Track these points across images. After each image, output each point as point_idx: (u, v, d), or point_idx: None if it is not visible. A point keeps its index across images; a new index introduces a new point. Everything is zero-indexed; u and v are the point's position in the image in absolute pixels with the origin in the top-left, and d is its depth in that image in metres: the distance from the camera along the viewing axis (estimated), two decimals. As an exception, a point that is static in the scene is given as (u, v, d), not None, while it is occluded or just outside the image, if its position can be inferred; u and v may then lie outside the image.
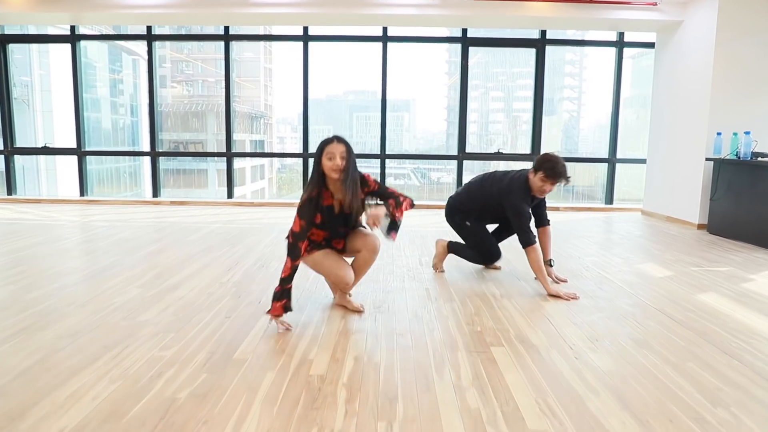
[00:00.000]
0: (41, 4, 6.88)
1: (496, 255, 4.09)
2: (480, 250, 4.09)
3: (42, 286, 3.55)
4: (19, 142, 8.45)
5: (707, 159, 6.15)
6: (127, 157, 9.87)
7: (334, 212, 2.95)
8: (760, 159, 5.41)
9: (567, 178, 3.54)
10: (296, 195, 8.54)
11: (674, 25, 6.95)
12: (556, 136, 9.61)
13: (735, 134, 5.88)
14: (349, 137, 10.40)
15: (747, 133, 5.58)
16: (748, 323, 3.04)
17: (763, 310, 3.29)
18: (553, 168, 3.52)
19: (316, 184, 2.87)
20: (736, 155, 5.75)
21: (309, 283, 3.72)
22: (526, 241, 3.58)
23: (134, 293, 3.45)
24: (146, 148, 8.40)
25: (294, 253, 2.80)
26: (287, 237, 2.87)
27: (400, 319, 3.02)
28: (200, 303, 3.26)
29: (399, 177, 9.92)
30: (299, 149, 8.29)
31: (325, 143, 2.85)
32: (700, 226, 6.36)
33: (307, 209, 2.84)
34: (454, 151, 8.23)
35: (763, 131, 6.09)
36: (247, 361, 2.42)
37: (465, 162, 8.19)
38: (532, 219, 3.81)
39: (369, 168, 9.07)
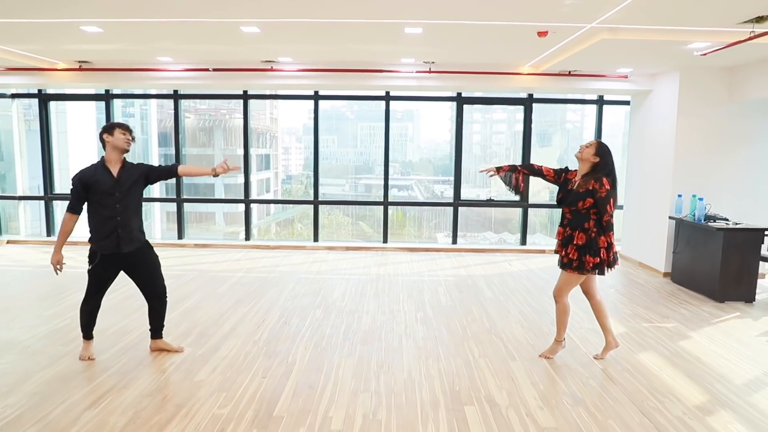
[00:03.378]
0: (81, 76, 7.84)
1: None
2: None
3: (110, 347, 4.44)
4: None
5: (670, 217, 7.03)
6: None
7: None
8: (710, 223, 6.27)
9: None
10: (308, 235, 9.43)
11: (645, 93, 7.85)
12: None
13: (694, 196, 6.75)
14: (354, 147, 11.05)
15: (700, 199, 6.46)
16: (669, 383, 3.90)
17: (686, 370, 4.15)
18: (114, 123, 4.00)
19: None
20: (693, 216, 6.62)
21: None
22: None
23: (186, 353, 4.33)
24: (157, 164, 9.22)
25: None
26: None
27: (397, 380, 3.89)
28: (240, 363, 4.14)
29: (402, 189, 10.29)
30: (302, 161, 9.15)
31: None
32: (665, 275, 7.22)
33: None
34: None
35: (719, 194, 6.96)
36: (284, 418, 3.29)
37: (463, 176, 9.08)
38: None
39: (370, 180, 9.90)
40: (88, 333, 4.27)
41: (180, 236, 9.24)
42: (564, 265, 4.11)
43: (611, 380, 3.94)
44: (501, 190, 10.00)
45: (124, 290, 6.15)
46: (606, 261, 4.01)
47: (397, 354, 4.40)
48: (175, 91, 8.90)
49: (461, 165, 9.02)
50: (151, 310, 4.35)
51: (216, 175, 4.17)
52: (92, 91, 9.18)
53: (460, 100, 8.82)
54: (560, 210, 4.17)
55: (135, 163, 4.15)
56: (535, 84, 7.80)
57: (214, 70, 7.64)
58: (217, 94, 9.59)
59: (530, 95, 8.79)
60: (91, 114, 10.27)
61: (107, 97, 9.00)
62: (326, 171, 9.92)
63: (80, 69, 7.72)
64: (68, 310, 5.43)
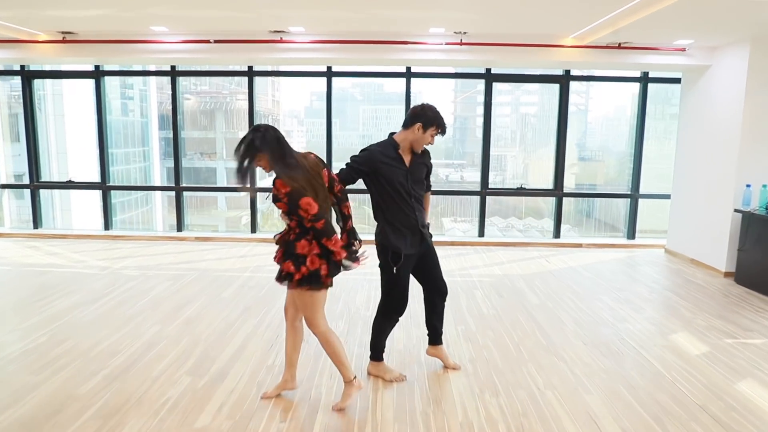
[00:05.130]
0: (65, 49, 6.95)
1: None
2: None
3: (92, 374, 3.63)
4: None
5: (736, 210, 6.17)
6: (140, 158, 10.03)
7: None
8: (791, 218, 5.43)
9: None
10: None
11: (702, 69, 6.95)
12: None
13: (765, 186, 5.90)
14: (355, 130, 10.35)
15: (778, 189, 5.61)
16: (794, 429, 3.08)
17: (806, 408, 3.33)
18: (440, 119, 3.39)
19: None
20: (766, 209, 5.77)
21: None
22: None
23: (185, 384, 3.52)
24: (156, 149, 8.39)
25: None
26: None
27: (451, 424, 3.07)
28: (252, 399, 3.32)
29: None
30: (304, 144, 8.54)
31: None
32: (727, 274, 6.38)
33: None
34: (462, 147, 8.76)
35: (793, 183, 6.10)
36: (313, 490, 2.49)
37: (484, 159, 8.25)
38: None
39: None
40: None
41: (179, 228, 8.41)
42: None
43: (721, 425, 3.12)
44: (529, 178, 9.12)
45: (115, 295, 5.34)
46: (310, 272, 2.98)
47: (444, 384, 3.58)
48: (173, 68, 8.01)
49: (489, 150, 8.17)
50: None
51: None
52: (84, 68, 8.30)
53: (489, 77, 7.93)
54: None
55: None
56: (576, 58, 6.90)
57: (216, 41, 6.73)
58: (219, 71, 8.69)
59: (567, 72, 7.89)
60: (89, 95, 9.47)
61: (97, 75, 8.12)
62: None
63: (64, 41, 6.81)
64: (49, 321, 4.61)
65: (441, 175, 9.73)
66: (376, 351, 3.68)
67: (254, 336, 4.38)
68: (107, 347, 4.10)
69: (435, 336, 3.81)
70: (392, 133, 3.46)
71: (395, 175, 3.35)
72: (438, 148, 9.83)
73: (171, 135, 8.29)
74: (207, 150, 10.20)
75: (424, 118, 3.34)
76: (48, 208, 9.63)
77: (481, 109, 9.87)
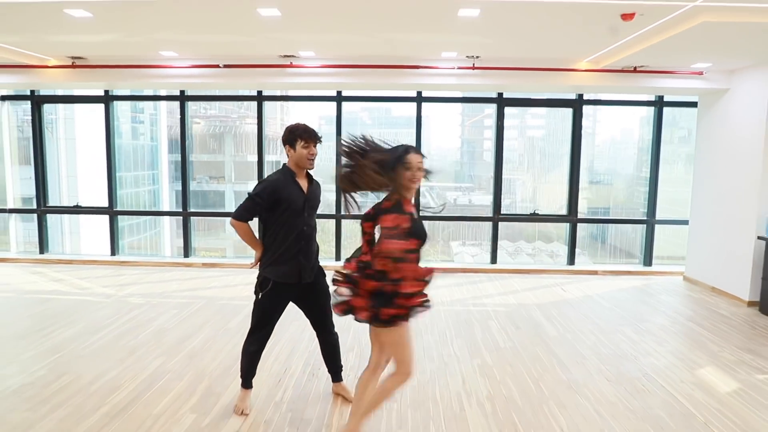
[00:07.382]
0: (77, 75, 6.91)
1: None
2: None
3: (91, 410, 3.46)
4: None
5: (759, 237, 5.97)
6: (150, 181, 10.04)
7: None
8: (819, 246, 5.23)
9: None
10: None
11: (720, 93, 6.81)
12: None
13: (788, 213, 5.71)
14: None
15: (804, 217, 5.41)
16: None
17: None
18: (298, 130, 3.32)
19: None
20: (791, 237, 5.57)
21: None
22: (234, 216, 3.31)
23: (189, 422, 3.34)
24: (165, 173, 8.24)
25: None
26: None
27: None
28: (259, 441, 3.14)
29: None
30: (313, 169, 8.25)
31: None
32: (750, 304, 6.16)
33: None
34: (468, 170, 8.65)
35: (818, 210, 5.90)
36: None
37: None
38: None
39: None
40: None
41: (186, 254, 8.28)
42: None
43: (762, 474, 2.90)
44: (538, 203, 8.92)
45: (118, 325, 5.18)
46: None
47: (462, 426, 3.38)
48: (182, 92, 7.96)
49: (502, 174, 8.01)
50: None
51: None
52: (94, 93, 8.27)
53: (501, 102, 7.82)
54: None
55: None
56: (591, 82, 6.78)
57: (225, 66, 6.68)
58: (229, 96, 8.65)
59: (580, 96, 7.77)
60: (100, 119, 9.49)
61: (107, 99, 8.08)
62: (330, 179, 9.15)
63: (74, 66, 6.79)
64: (50, 353, 4.46)
65: (449, 197, 9.58)
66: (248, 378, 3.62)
67: (261, 370, 4.17)
68: (107, 382, 3.93)
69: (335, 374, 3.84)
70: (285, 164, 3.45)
71: (293, 202, 3.31)
72: (445, 171, 9.74)
73: (180, 159, 8.20)
74: (216, 174, 10.18)
75: (285, 139, 3.36)
76: (56, 232, 9.56)
77: (489, 133, 9.78)
